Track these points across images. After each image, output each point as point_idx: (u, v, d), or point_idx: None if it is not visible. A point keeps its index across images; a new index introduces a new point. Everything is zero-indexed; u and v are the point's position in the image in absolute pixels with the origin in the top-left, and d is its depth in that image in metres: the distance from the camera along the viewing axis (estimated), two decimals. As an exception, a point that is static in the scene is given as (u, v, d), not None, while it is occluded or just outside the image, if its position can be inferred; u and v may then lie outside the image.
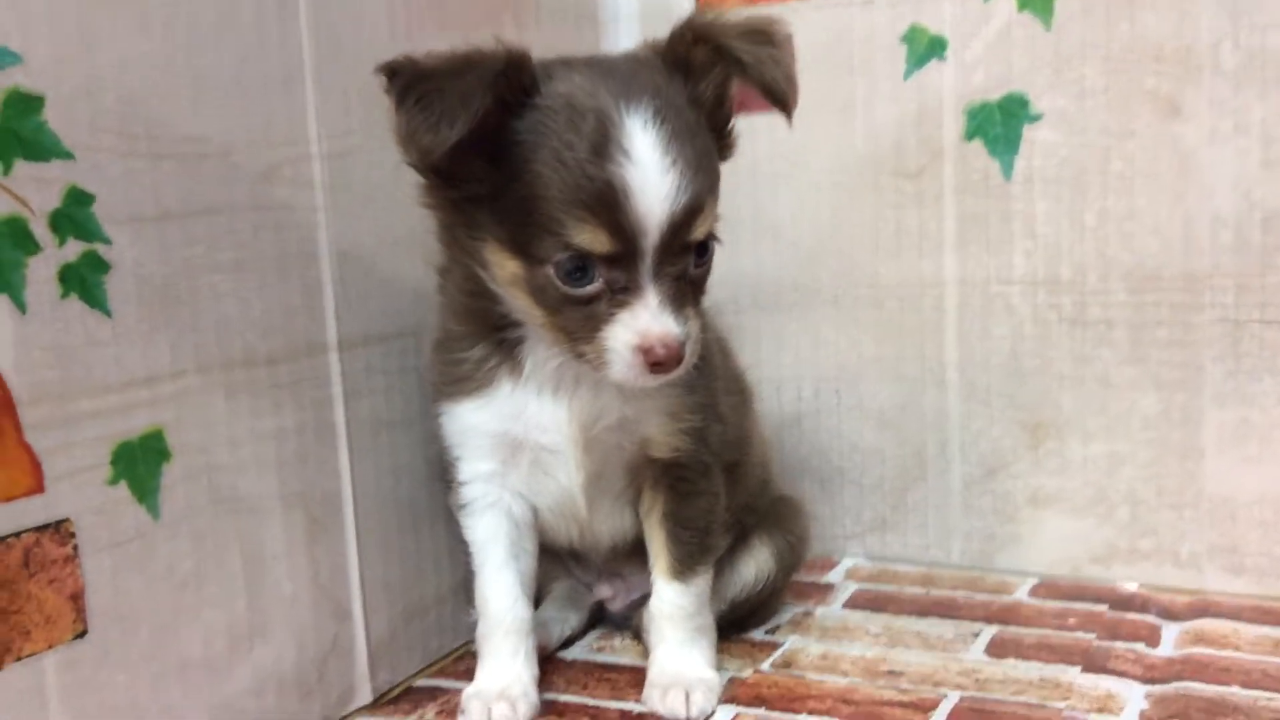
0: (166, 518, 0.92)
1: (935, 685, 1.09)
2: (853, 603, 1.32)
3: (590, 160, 0.89)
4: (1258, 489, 1.26)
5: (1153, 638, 1.18)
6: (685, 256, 0.93)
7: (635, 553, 1.17)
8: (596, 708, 1.08)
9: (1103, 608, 1.26)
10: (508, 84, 0.90)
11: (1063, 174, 1.30)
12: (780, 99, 0.96)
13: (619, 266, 0.91)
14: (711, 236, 0.96)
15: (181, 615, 0.94)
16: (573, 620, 1.25)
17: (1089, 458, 1.34)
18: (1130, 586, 1.31)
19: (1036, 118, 1.31)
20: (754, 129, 1.44)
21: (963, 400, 1.38)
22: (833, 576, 1.41)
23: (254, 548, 1.00)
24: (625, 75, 0.94)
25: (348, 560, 1.10)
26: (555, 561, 1.23)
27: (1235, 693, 1.04)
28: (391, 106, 0.89)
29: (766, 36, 0.96)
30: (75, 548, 0.86)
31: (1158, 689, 1.06)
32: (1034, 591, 1.32)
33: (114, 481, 0.89)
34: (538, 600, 1.22)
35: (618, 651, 1.22)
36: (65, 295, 0.85)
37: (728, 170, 1.46)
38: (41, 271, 0.83)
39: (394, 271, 1.15)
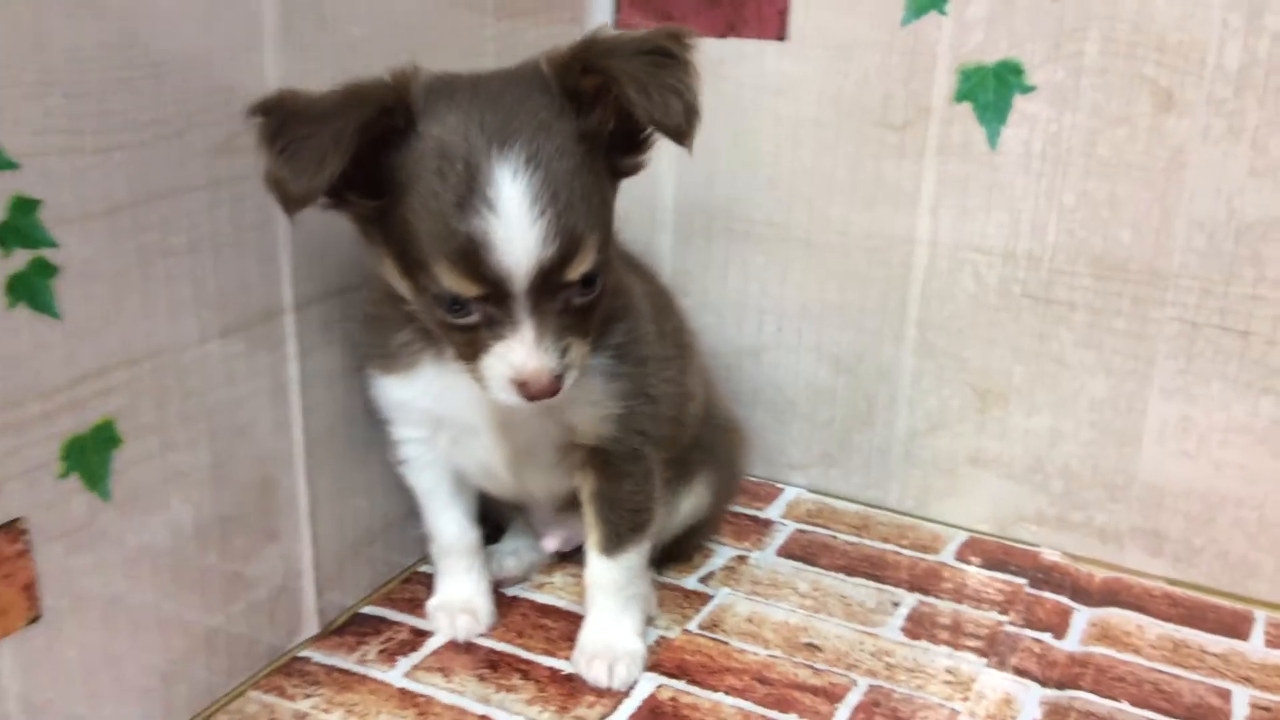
0: (118, 498, 0.95)
1: (848, 668, 1.15)
2: (787, 550, 1.37)
3: (454, 213, 0.87)
4: (1187, 483, 1.30)
5: (1061, 627, 1.24)
6: (565, 291, 0.92)
7: (579, 508, 1.21)
8: (529, 662, 1.15)
9: (1022, 582, 1.32)
10: (384, 124, 0.88)
11: (1048, 151, 1.27)
12: (674, 135, 0.92)
13: (492, 304, 0.91)
14: (597, 271, 0.94)
15: (132, 584, 0.98)
16: (532, 556, 1.30)
17: (1031, 429, 1.36)
18: (1052, 555, 1.37)
19: (1030, 89, 1.27)
20: (742, 54, 1.40)
21: (917, 357, 1.40)
22: (773, 511, 1.46)
23: (206, 513, 1.03)
24: (507, 109, 0.90)
25: (298, 508, 1.14)
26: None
27: (1124, 710, 1.10)
28: (260, 149, 0.87)
29: (665, 57, 0.91)
30: (27, 542, 0.89)
31: (1052, 695, 1.12)
32: (960, 553, 1.38)
33: (65, 475, 0.90)
34: (496, 534, 1.28)
35: (557, 590, 1.28)
36: (13, 305, 0.84)
37: (710, 95, 1.42)
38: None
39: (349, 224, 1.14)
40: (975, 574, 1.33)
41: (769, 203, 1.42)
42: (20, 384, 0.86)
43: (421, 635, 1.19)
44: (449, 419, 1.09)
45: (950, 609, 1.26)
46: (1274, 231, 1.20)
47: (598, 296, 0.95)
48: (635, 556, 1.14)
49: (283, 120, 0.86)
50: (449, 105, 0.90)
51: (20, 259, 0.84)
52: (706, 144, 1.42)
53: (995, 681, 1.14)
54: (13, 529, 0.87)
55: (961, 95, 1.30)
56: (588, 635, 1.14)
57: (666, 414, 1.14)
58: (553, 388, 0.92)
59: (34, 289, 0.86)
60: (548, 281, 0.90)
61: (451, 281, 0.89)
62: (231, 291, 1.02)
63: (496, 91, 0.92)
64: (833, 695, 1.11)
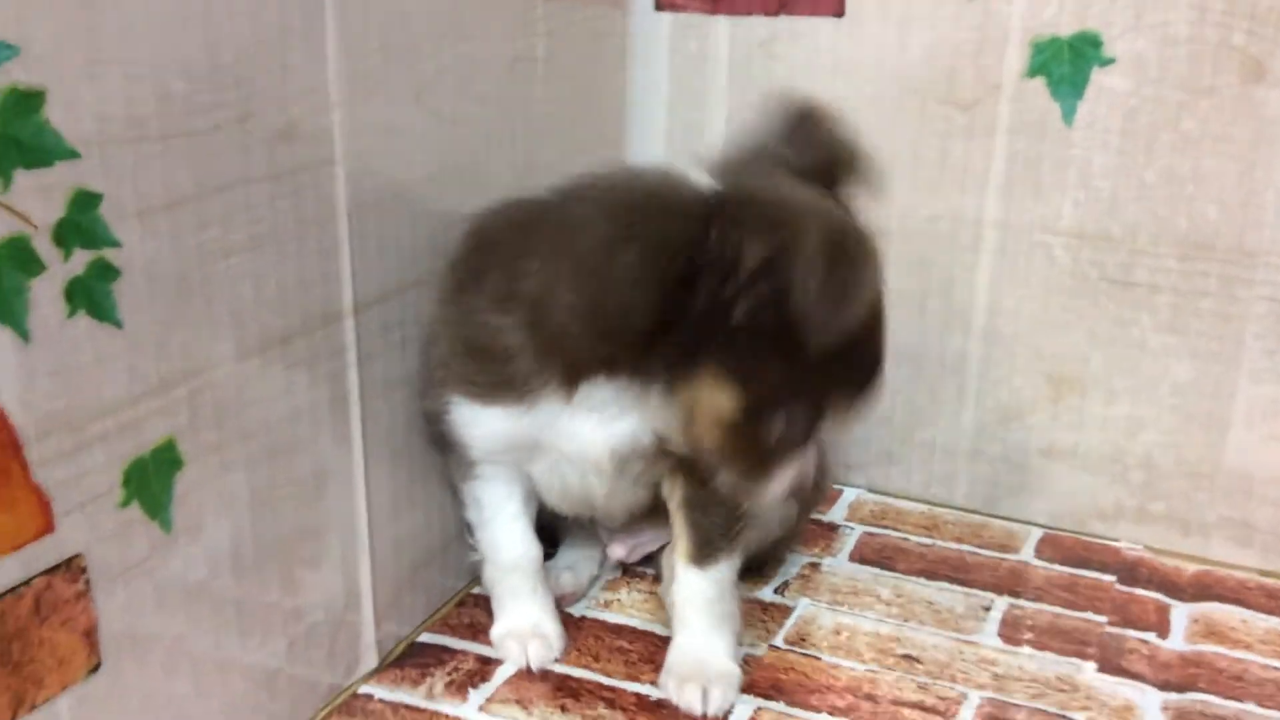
0: (178, 527, 0.85)
1: (953, 680, 1.08)
2: (860, 555, 1.30)
3: (874, 342, 0.91)
4: (1277, 469, 1.24)
5: (1162, 625, 1.18)
6: None
7: (650, 515, 1.14)
8: (613, 690, 1.06)
9: (1110, 579, 1.25)
10: None
11: (1128, 126, 1.21)
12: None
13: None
14: None
15: (194, 623, 0.88)
16: (590, 570, 1.21)
17: (1110, 417, 1.30)
18: (1135, 550, 1.31)
19: (1108, 61, 1.20)
20: (795, 32, 1.33)
21: (986, 345, 1.33)
22: (835, 514, 1.38)
23: (266, 540, 0.93)
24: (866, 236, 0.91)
25: (357, 528, 1.04)
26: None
27: (1251, 711, 1.04)
28: (804, 271, 0.81)
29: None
30: (87, 582, 0.78)
31: (1174, 699, 1.06)
32: (1039, 550, 1.31)
33: (125, 503, 0.80)
34: (549, 547, 1.19)
35: (625, 608, 1.19)
36: (72, 314, 0.74)
37: (761, 76, 1.35)
38: (46, 291, 0.72)
39: (410, 217, 1.04)
40: (1060, 572, 1.27)
41: (824, 188, 1.34)
42: (80, 403, 0.75)
43: (489, 664, 1.10)
44: (553, 447, 1.00)
45: (1043, 611, 1.19)
46: (1372, 205, 1.14)
47: None
48: (727, 569, 1.06)
49: (837, 255, 0.83)
50: None
51: (79, 261, 0.74)
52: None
53: (1110, 688, 1.07)
54: (72, 568, 0.77)
55: (1034, 70, 1.23)
56: (677, 657, 1.06)
57: None
58: None
59: (94, 295, 0.75)
60: None
61: (844, 406, 0.93)
62: (292, 293, 0.92)
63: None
64: (946, 712, 1.04)
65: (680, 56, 1.37)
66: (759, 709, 1.03)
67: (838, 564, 1.28)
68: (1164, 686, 1.08)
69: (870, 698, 1.05)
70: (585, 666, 1.09)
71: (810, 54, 1.31)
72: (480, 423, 1.01)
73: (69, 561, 0.77)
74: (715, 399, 0.89)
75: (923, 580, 1.25)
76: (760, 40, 1.33)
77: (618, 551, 1.20)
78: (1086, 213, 1.25)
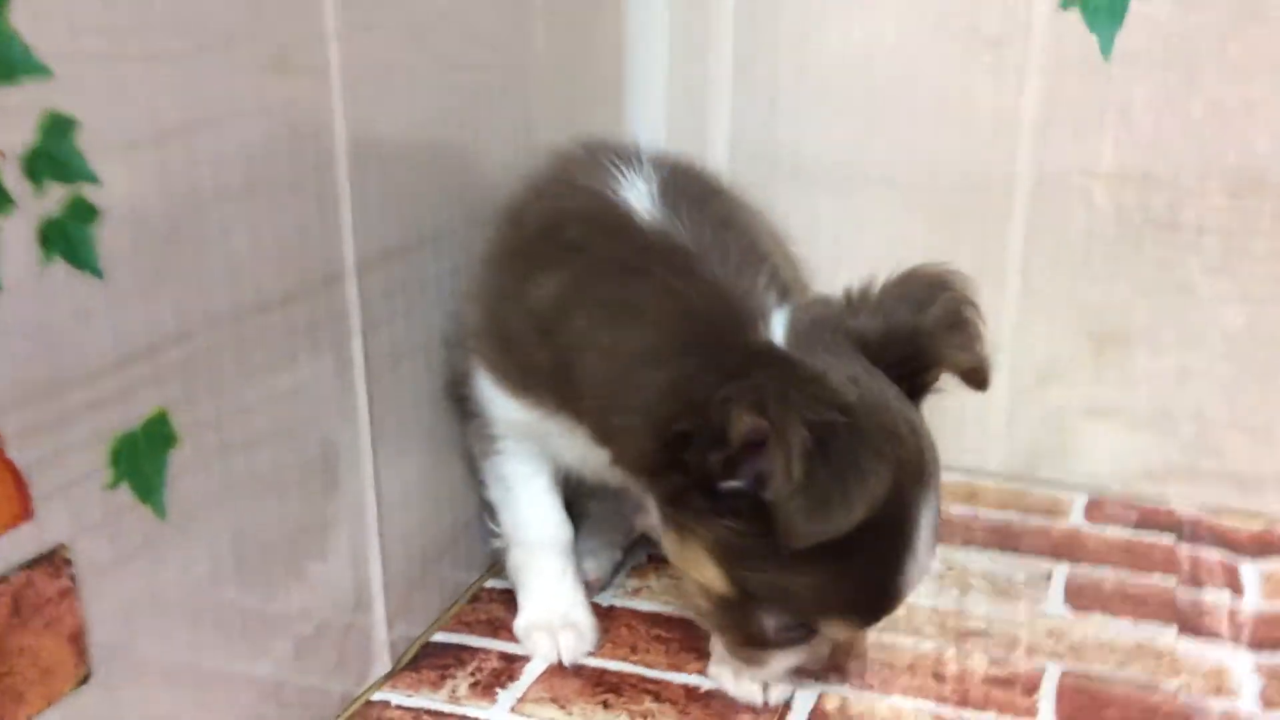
0: (175, 515, 0.73)
1: (1028, 653, 0.99)
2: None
3: (890, 571, 0.79)
4: (1339, 415, 1.17)
5: (1234, 583, 1.10)
6: None
7: None
8: (658, 682, 0.96)
9: (1169, 539, 1.17)
10: None
11: (1171, 56, 1.13)
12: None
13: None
14: None
15: (195, 627, 0.77)
16: (614, 554, 1.11)
17: (1156, 371, 1.22)
18: (1188, 509, 1.23)
19: (1149, -13, 1.13)
20: (799, -38, 1.24)
21: (1022, 302, 1.25)
22: (867, 488, 1.29)
23: (271, 530, 0.82)
24: (912, 445, 0.79)
25: (366, 517, 0.93)
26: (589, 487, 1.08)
27: (1350, 669, 0.96)
28: (781, 460, 0.71)
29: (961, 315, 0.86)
30: (73, 578, 0.67)
31: (1265, 659, 0.98)
32: (1089, 515, 1.23)
33: (114, 485, 0.69)
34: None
35: (658, 594, 1.09)
36: (48, 259, 0.63)
37: (769, 17, 1.26)
38: (18, 233, 0.61)
39: (414, 167, 0.94)
40: (1116, 535, 1.18)
41: (841, 138, 1.26)
42: (60, 365, 0.64)
43: (515, 661, 0.99)
44: (570, 447, 0.93)
45: (1108, 576, 1.11)
46: None
47: None
48: None
49: (828, 444, 0.71)
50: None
51: (55, 198, 0.63)
52: (767, 74, 1.27)
53: (1197, 651, 0.99)
54: (54, 560, 0.66)
55: (1070, 0, 1.15)
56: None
57: None
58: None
59: (72, 239, 0.64)
60: None
61: (838, 630, 0.88)
62: (291, 247, 0.81)
63: (892, 415, 0.79)
64: (1026, 685, 0.95)
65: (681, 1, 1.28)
66: (823, 694, 0.94)
67: (879, 539, 1.18)
68: (1253, 646, 1.00)
69: (938, 676, 0.96)
70: (623, 659, 0.99)
71: (822, -9, 1.22)
72: (502, 405, 0.93)
73: (51, 554, 0.65)
74: (704, 570, 0.82)
75: (974, 550, 1.16)
76: (768, -20, 1.24)
77: (645, 521, 1.10)
78: (1128, 152, 1.17)
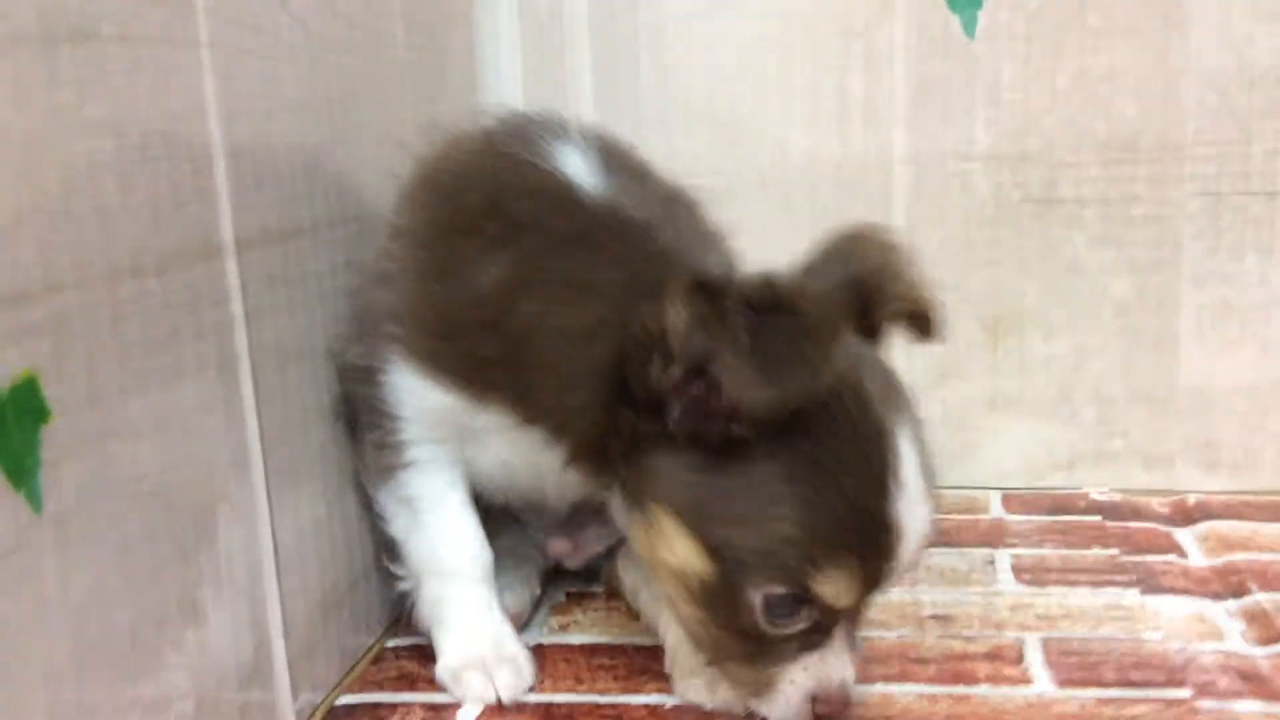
0: (52, 511, 0.58)
1: (998, 628, 0.92)
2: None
3: (874, 494, 0.69)
4: (1235, 376, 1.17)
5: (1174, 546, 1.06)
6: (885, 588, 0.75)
7: (597, 507, 0.94)
8: (616, 706, 0.83)
9: (1096, 519, 1.13)
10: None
11: (1033, 30, 1.14)
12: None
13: (841, 612, 0.73)
14: None
15: (81, 660, 0.61)
16: (532, 587, 0.98)
17: (1053, 354, 1.20)
18: (1102, 494, 1.20)
19: (1004, -36, 1.13)
20: (652, -30, 1.20)
21: (912, 296, 1.21)
22: (778, 508, 1.21)
23: (162, 548, 0.67)
24: (875, 363, 0.76)
25: (261, 549, 0.78)
26: (496, 516, 0.96)
27: (1324, 600, 0.93)
28: (721, 343, 0.65)
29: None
30: (-68, 574, 0.52)
31: (1236, 605, 0.94)
32: (1009, 508, 1.18)
33: (-20, 458, 0.54)
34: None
35: (585, 628, 0.96)
36: (-114, 150, 0.50)
37: (624, 28, 1.21)
38: None
39: (286, 145, 0.83)
40: (1042, 521, 1.14)
41: (710, 144, 1.21)
42: (-94, 292, 0.50)
43: (445, 710, 0.84)
44: (499, 444, 0.84)
45: (1049, 554, 1.06)
46: (1288, 76, 1.11)
47: None
48: None
49: (764, 319, 0.65)
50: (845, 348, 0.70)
51: (-106, 76, 0.50)
52: (628, 85, 1.21)
53: (1168, 606, 0.94)
54: (-92, 550, 0.50)
55: (928, -18, 1.15)
56: (687, 646, 0.84)
57: None
58: (846, 704, 0.75)
59: (-84, 133, 0.51)
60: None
61: (834, 587, 0.70)
62: (165, 204, 0.68)
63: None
64: (1010, 656, 0.87)
65: (532, 23, 1.22)
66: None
67: (808, 549, 1.10)
68: (1218, 596, 0.95)
69: (920, 660, 0.87)
70: (569, 690, 0.86)
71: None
72: (424, 398, 0.81)
73: (-98, 539, 0.50)
74: (678, 547, 0.72)
75: (908, 549, 1.08)
76: (621, -9, 1.20)
77: (560, 548, 0.99)
78: (1000, 131, 1.16)
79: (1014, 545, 1.08)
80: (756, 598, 0.71)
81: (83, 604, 0.61)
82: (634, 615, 0.96)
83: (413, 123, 1.02)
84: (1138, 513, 1.15)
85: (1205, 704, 0.79)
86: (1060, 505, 1.18)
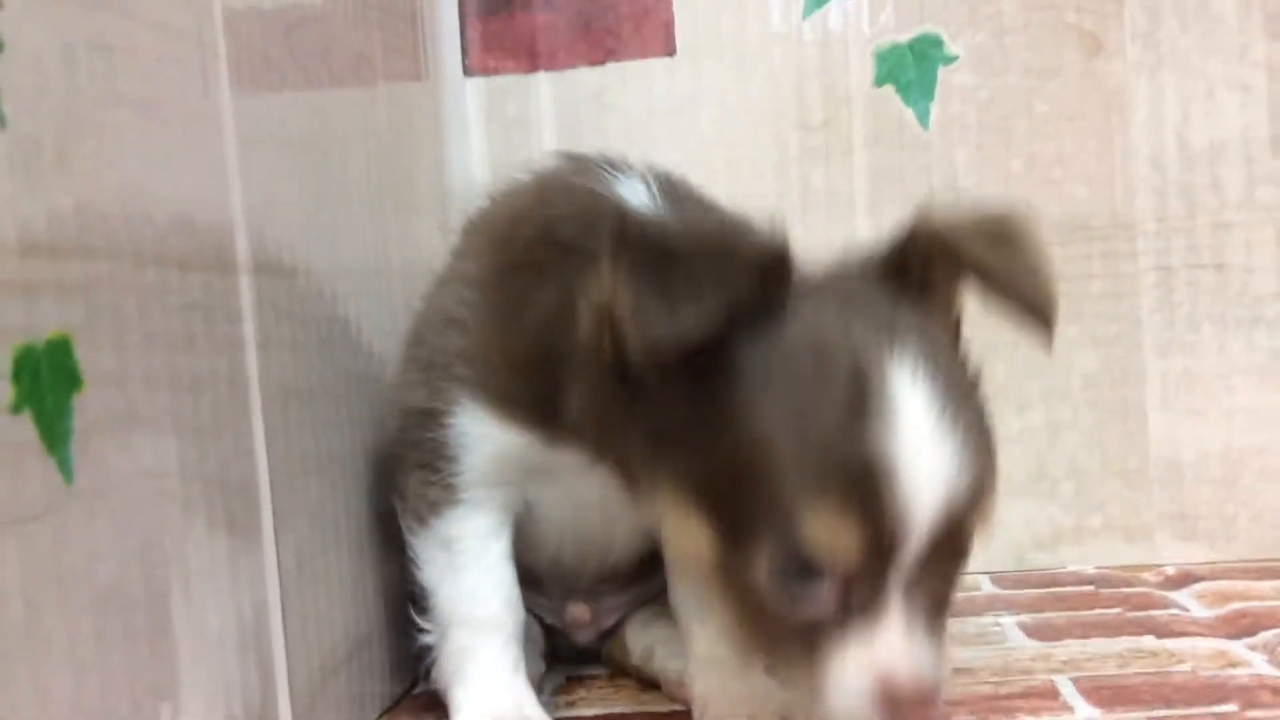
0: (82, 485, 0.54)
1: (1025, 674, 0.89)
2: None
3: (845, 421, 0.61)
4: (1203, 444, 1.19)
5: (1176, 604, 1.05)
6: (952, 564, 0.66)
7: (618, 574, 0.93)
8: (646, 761, 0.78)
9: (1090, 589, 1.12)
10: (763, 287, 0.63)
11: (984, 118, 1.20)
12: (1042, 318, 0.71)
13: (861, 579, 0.61)
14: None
15: (101, 652, 0.55)
16: (539, 659, 0.93)
17: (1027, 429, 1.21)
18: (1089, 570, 1.19)
19: (953, 59, 1.20)
20: (626, 77, 1.24)
21: (885, 380, 1.22)
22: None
23: (178, 552, 0.62)
24: (875, 300, 0.68)
25: (267, 585, 0.73)
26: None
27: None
28: (615, 281, 0.62)
29: (1009, 238, 0.72)
30: (-33, 517, 0.47)
31: (1253, 641, 0.93)
32: (1001, 585, 1.16)
33: (16, 408, 0.50)
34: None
35: (595, 702, 0.91)
36: (-57, 59, 0.47)
37: (594, 128, 1.24)
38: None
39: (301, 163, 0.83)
40: (1035, 594, 1.12)
41: (681, 239, 1.22)
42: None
43: (456, 781, 0.78)
44: (568, 481, 0.80)
45: (1057, 616, 1.04)
46: (1224, 154, 1.17)
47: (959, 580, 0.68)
48: None
49: (650, 252, 0.62)
50: (815, 292, 0.67)
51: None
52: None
53: (1188, 644, 0.93)
54: (-53, 484, 0.46)
55: (882, 79, 1.20)
56: (719, 689, 0.80)
57: None
58: (929, 711, 0.62)
59: (-28, 52, 0.49)
60: (942, 546, 0.62)
61: (822, 538, 0.60)
62: (183, 193, 0.66)
63: (855, 276, 0.70)
64: (1044, 694, 0.84)
65: (498, 124, 1.24)
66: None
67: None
68: (1233, 636, 0.94)
69: (953, 703, 0.84)
70: (590, 753, 0.81)
71: (645, 98, 1.22)
72: (493, 441, 0.79)
73: (-58, 470, 0.46)
74: (692, 529, 0.66)
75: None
76: (591, 92, 1.23)
77: (578, 614, 0.94)
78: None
79: (1017, 612, 1.06)
80: (760, 571, 0.63)
81: (107, 589, 0.55)
82: (643, 689, 0.91)
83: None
84: (1129, 583, 1.14)
85: (1253, 714, 0.77)
86: (1052, 580, 1.16)
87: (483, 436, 0.79)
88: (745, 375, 0.63)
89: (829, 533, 0.60)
